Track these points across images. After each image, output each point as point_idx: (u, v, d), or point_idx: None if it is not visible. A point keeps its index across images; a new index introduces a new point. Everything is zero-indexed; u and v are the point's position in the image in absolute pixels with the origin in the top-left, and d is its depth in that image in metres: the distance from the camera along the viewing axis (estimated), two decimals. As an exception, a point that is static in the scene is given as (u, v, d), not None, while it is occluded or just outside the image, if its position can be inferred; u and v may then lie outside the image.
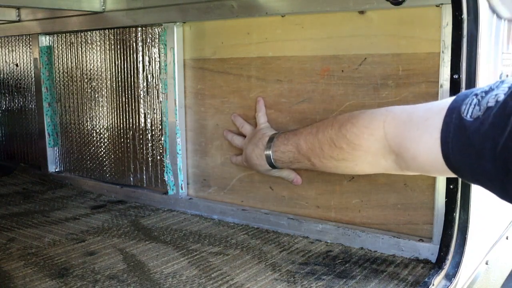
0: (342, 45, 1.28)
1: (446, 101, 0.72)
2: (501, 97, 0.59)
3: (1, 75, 2.24)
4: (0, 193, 1.87)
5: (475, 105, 0.63)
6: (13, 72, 2.18)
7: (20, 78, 2.15)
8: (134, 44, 1.70)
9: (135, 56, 1.70)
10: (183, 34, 1.57)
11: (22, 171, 2.15)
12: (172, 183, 1.64)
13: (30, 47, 2.04)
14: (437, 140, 0.68)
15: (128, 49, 1.72)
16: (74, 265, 1.18)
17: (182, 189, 1.64)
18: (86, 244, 1.33)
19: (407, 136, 0.77)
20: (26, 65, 2.10)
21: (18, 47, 2.13)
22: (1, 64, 2.23)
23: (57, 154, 2.04)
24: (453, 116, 0.66)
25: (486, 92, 0.62)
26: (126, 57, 1.73)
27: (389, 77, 1.22)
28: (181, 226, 1.47)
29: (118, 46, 1.74)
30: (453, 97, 0.71)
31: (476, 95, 0.64)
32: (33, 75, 2.04)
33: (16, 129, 2.23)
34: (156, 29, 1.63)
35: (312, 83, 1.34)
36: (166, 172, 1.64)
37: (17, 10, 1.99)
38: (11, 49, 2.17)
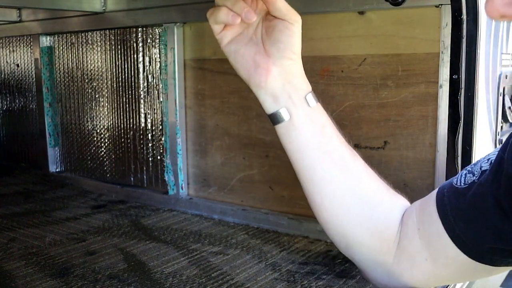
0: (342, 45, 1.28)
1: (431, 195, 0.67)
2: (493, 158, 0.59)
3: (2, 76, 2.24)
4: (1, 193, 1.87)
5: (466, 174, 0.62)
6: (14, 73, 2.18)
7: (21, 78, 2.15)
8: (134, 44, 1.70)
9: (135, 56, 1.71)
10: (183, 35, 1.57)
11: (23, 171, 2.15)
12: (172, 183, 1.64)
13: (31, 47, 2.04)
14: (440, 225, 0.61)
15: (128, 50, 1.72)
16: (75, 264, 1.19)
17: (182, 189, 1.64)
18: (87, 243, 1.33)
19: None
20: (27, 65, 2.11)
21: (19, 48, 2.13)
22: (2, 64, 2.23)
23: (58, 154, 2.04)
24: (444, 192, 0.64)
25: (475, 164, 0.62)
26: (127, 58, 1.73)
27: (389, 78, 1.22)
28: (181, 226, 1.48)
29: (119, 47, 1.75)
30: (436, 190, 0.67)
31: (465, 168, 0.63)
32: (34, 75, 2.04)
33: (17, 129, 2.23)
34: (156, 30, 1.63)
35: (312, 83, 1.33)
36: (167, 172, 1.65)
37: (18, 11, 2.00)
38: (12, 49, 2.17)
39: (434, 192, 0.67)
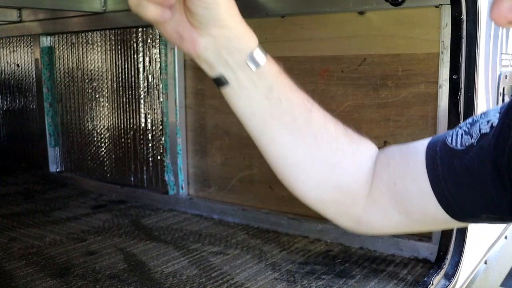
0: (342, 46, 1.28)
1: (418, 142, 0.64)
2: (496, 122, 0.57)
3: (3, 76, 2.24)
4: (2, 192, 1.87)
5: (462, 135, 0.59)
6: (14, 73, 2.18)
7: (21, 78, 2.16)
8: (134, 44, 1.70)
9: (135, 56, 1.71)
10: (184, 35, 1.57)
11: (23, 171, 2.16)
12: (172, 183, 1.64)
13: (31, 47, 2.04)
14: (426, 179, 0.59)
15: (128, 50, 1.72)
16: (75, 264, 1.19)
17: (182, 189, 1.64)
18: (87, 243, 1.33)
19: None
20: (27, 65, 2.11)
21: (20, 48, 2.14)
22: (3, 64, 2.23)
23: (58, 154, 2.04)
24: (436, 150, 0.61)
25: (472, 124, 0.60)
26: (127, 58, 1.73)
27: (389, 78, 1.22)
28: (181, 225, 1.48)
29: (119, 47, 1.75)
30: (424, 140, 0.64)
31: (460, 127, 0.61)
32: (34, 75, 2.04)
33: (17, 129, 2.23)
34: (156, 30, 1.63)
35: (312, 83, 1.34)
36: (167, 172, 1.65)
37: (18, 11, 2.00)
38: (12, 49, 2.17)
39: (420, 146, 0.63)
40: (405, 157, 0.65)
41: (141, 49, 1.69)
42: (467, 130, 0.60)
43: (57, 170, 2.05)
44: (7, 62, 2.21)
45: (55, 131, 2.02)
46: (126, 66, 1.74)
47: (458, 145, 0.59)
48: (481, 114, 0.60)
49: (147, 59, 1.68)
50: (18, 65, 2.16)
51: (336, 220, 0.70)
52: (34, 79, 2.04)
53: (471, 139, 0.58)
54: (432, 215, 0.62)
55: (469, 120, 0.61)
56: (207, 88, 1.55)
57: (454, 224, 0.63)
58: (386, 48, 1.22)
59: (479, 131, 0.58)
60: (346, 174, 0.66)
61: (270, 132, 0.65)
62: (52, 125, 2.02)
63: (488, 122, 0.59)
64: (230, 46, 0.60)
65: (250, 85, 0.62)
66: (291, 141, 0.65)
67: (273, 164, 0.68)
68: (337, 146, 0.66)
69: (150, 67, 1.67)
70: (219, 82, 0.63)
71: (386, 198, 0.65)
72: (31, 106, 2.12)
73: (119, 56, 1.75)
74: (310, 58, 1.33)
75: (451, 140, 0.60)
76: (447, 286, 1.10)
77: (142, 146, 1.74)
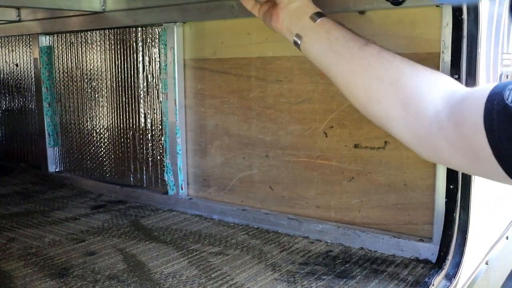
0: (342, 45, 1.27)
1: (486, 87, 0.64)
2: None
3: (1, 75, 2.24)
4: (0, 193, 1.87)
5: None
6: (13, 72, 2.18)
7: (20, 78, 2.15)
8: (134, 44, 1.70)
9: (135, 56, 1.70)
10: (183, 34, 1.57)
11: (22, 171, 2.15)
12: (172, 183, 1.64)
13: (30, 47, 2.04)
14: (483, 131, 0.60)
15: (128, 49, 1.72)
16: (74, 265, 1.18)
17: (182, 189, 1.64)
18: (86, 244, 1.33)
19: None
20: (26, 65, 2.10)
21: (18, 47, 2.13)
22: (1, 64, 2.23)
23: (57, 154, 2.04)
24: (494, 102, 0.60)
25: None
26: (126, 57, 1.73)
27: (389, 77, 1.22)
28: (181, 226, 1.47)
29: (118, 46, 1.74)
30: (493, 84, 0.64)
31: None
32: (33, 75, 2.04)
33: (16, 129, 2.23)
34: (156, 29, 1.63)
35: (312, 83, 1.34)
36: (166, 172, 1.64)
37: (17, 10, 1.99)
38: (11, 49, 2.17)
39: (483, 91, 0.63)
40: (468, 105, 0.66)
41: (140, 48, 1.68)
42: None
43: (56, 170, 2.05)
44: (5, 61, 2.20)
45: (54, 131, 2.02)
46: (125, 65, 1.73)
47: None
48: None
49: (146, 58, 1.67)
50: (17, 65, 2.15)
51: (401, 136, 0.79)
52: (33, 79, 2.04)
53: None
54: (490, 166, 0.61)
55: None
56: (207, 88, 1.55)
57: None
58: (386, 48, 1.21)
59: None
60: (410, 90, 0.76)
61: (335, 66, 0.88)
62: (51, 125, 2.01)
63: None
64: (299, 14, 0.95)
65: (314, 34, 0.92)
66: (351, 68, 0.85)
67: (349, 94, 0.89)
68: (399, 66, 0.80)
69: (150, 66, 1.67)
70: (296, 44, 0.96)
71: (454, 128, 0.66)
72: (30, 106, 2.12)
73: (119, 56, 1.75)
74: (310, 58, 1.33)
75: (509, 94, 0.59)
76: (448, 287, 1.10)
77: (141, 146, 1.73)
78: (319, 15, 0.94)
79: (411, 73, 0.78)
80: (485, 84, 0.68)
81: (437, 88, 0.73)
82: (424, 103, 0.72)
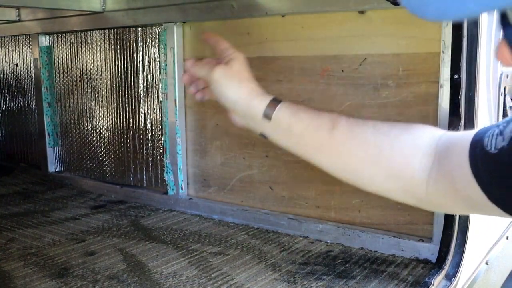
0: (342, 45, 1.27)
1: (467, 135, 0.66)
2: None
3: (1, 75, 2.23)
4: (0, 193, 1.87)
5: (497, 136, 0.60)
6: (13, 72, 2.18)
7: (20, 78, 2.15)
8: (134, 44, 1.70)
9: (135, 56, 1.70)
10: (183, 34, 1.56)
11: (22, 171, 2.15)
12: (172, 183, 1.64)
13: (30, 47, 2.04)
14: (473, 181, 0.63)
15: (128, 49, 1.72)
16: (74, 265, 1.18)
17: (182, 189, 1.63)
18: (86, 244, 1.33)
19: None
20: (26, 65, 2.10)
21: (18, 47, 2.13)
22: (1, 64, 2.22)
23: (57, 154, 2.04)
24: (477, 150, 0.63)
25: (508, 122, 0.61)
26: (126, 57, 1.73)
27: (389, 77, 1.22)
28: (181, 226, 1.47)
29: (118, 46, 1.74)
30: (474, 130, 0.66)
31: (498, 126, 0.62)
32: (33, 75, 2.04)
33: (16, 129, 2.23)
34: (156, 29, 1.63)
35: (312, 83, 1.34)
36: (166, 172, 1.64)
37: (17, 10, 1.99)
38: (11, 49, 2.17)
39: (465, 141, 0.64)
40: (451, 152, 0.68)
41: (140, 48, 1.68)
42: (502, 129, 0.60)
43: (56, 170, 2.04)
44: (5, 61, 2.20)
45: (54, 131, 2.02)
46: (125, 65, 1.73)
47: (492, 148, 0.60)
48: None
49: (146, 58, 1.67)
50: (16, 65, 2.15)
51: (403, 201, 0.76)
52: (33, 79, 2.04)
53: (503, 141, 0.59)
54: (490, 208, 0.63)
55: (508, 118, 0.62)
56: (206, 88, 1.54)
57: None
58: (386, 48, 1.21)
59: (510, 132, 0.59)
60: (396, 162, 0.72)
61: (311, 156, 0.79)
62: (51, 125, 2.01)
63: None
64: (249, 114, 0.80)
65: (275, 131, 0.79)
66: (326, 158, 0.78)
67: (339, 176, 0.80)
68: (381, 149, 0.73)
69: (150, 66, 1.67)
70: (263, 136, 0.82)
71: (447, 186, 0.67)
72: (30, 106, 2.12)
73: (119, 56, 1.74)
74: (311, 58, 1.33)
75: (488, 142, 0.61)
76: (448, 287, 1.10)
77: (141, 146, 1.73)
78: (271, 108, 0.78)
79: (390, 141, 0.73)
80: (464, 132, 0.69)
81: (419, 147, 0.71)
82: (413, 168, 0.70)
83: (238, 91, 0.80)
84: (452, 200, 0.68)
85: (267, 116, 0.78)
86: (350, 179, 0.78)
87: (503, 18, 0.31)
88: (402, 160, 0.72)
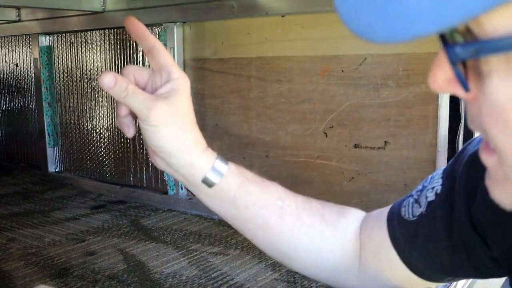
0: (342, 45, 1.27)
1: (382, 214, 0.66)
2: (439, 189, 0.58)
3: (1, 75, 2.23)
4: (0, 193, 1.87)
5: (413, 204, 0.60)
6: (13, 72, 2.18)
7: (20, 78, 2.15)
8: (134, 44, 1.70)
9: (135, 56, 1.70)
10: (183, 34, 1.56)
11: (22, 171, 2.15)
12: (172, 183, 1.63)
13: (30, 47, 2.04)
14: (394, 253, 0.61)
15: (128, 49, 1.72)
16: (74, 265, 1.18)
17: (182, 189, 1.63)
18: (86, 244, 1.33)
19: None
20: (26, 65, 2.10)
21: (18, 47, 2.13)
22: (1, 64, 2.22)
23: (57, 154, 2.04)
24: (394, 223, 0.62)
25: (421, 190, 0.61)
26: (126, 57, 1.73)
27: (389, 77, 1.22)
28: (181, 226, 1.47)
29: (118, 46, 1.74)
30: (387, 207, 0.66)
31: (412, 195, 0.62)
32: (33, 75, 2.04)
33: (16, 129, 2.23)
34: (156, 29, 1.63)
35: (312, 83, 1.34)
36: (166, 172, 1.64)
37: (17, 10, 1.99)
38: (11, 49, 2.17)
39: (384, 216, 0.65)
40: (374, 227, 0.67)
41: (140, 48, 1.68)
42: (417, 198, 0.60)
43: (56, 170, 2.04)
44: (5, 61, 2.20)
45: (54, 131, 2.02)
46: (125, 65, 1.73)
47: (410, 216, 0.60)
48: (429, 177, 0.61)
49: (146, 58, 1.67)
50: (17, 65, 2.15)
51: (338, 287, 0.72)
52: (33, 79, 2.04)
53: (420, 208, 0.59)
54: (415, 281, 0.62)
55: (419, 186, 0.62)
56: (207, 88, 1.54)
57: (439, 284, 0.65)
58: (386, 48, 1.21)
59: (426, 199, 0.60)
60: (330, 256, 0.67)
61: (247, 231, 0.68)
62: (51, 125, 2.01)
63: (433, 189, 0.60)
64: (182, 172, 0.60)
65: (212, 198, 0.63)
66: (267, 238, 0.67)
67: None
68: (314, 233, 0.67)
69: (150, 66, 1.66)
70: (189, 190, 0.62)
71: (375, 265, 0.65)
72: (30, 106, 2.12)
73: (119, 56, 1.74)
74: (311, 58, 1.33)
75: (405, 211, 0.61)
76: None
77: (141, 146, 1.73)
78: (215, 174, 0.60)
79: (332, 230, 0.68)
80: (379, 209, 0.69)
81: (354, 235, 0.70)
82: (347, 257, 0.69)
83: (178, 141, 0.58)
84: (383, 278, 0.65)
85: (208, 183, 0.60)
86: (284, 262, 0.69)
87: (443, 37, 0.30)
88: (339, 252, 0.68)
